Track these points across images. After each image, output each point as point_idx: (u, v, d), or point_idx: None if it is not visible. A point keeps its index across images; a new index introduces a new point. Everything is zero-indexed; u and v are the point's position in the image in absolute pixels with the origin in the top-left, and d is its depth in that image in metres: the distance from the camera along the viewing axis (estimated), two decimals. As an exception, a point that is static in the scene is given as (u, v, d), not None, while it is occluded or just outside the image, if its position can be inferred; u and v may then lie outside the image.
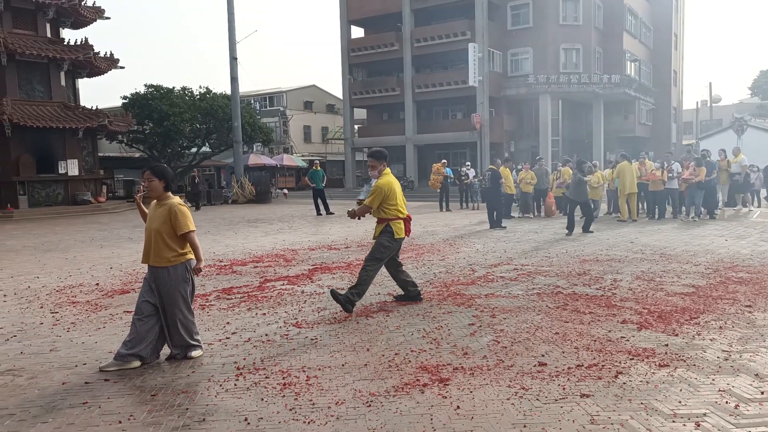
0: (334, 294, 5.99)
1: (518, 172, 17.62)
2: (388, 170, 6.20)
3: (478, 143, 34.70)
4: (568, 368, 4.25)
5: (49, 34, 23.98)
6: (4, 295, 7.38)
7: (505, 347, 4.77)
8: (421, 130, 39.93)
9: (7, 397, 4.01)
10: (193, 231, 4.70)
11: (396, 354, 4.67)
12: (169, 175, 4.79)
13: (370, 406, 3.69)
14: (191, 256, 4.75)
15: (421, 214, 18.75)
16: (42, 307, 6.67)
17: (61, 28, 25.12)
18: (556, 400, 3.70)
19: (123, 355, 4.51)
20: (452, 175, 20.56)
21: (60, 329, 5.72)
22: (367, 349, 4.82)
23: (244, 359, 4.65)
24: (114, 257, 10.51)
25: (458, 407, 3.63)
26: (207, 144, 33.49)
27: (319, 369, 4.38)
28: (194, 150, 33.65)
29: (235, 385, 4.12)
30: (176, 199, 4.75)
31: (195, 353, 4.73)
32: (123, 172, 36.85)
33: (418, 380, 4.09)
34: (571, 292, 6.73)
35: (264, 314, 6.08)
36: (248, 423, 3.50)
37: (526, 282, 7.41)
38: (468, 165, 21.64)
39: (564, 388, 3.89)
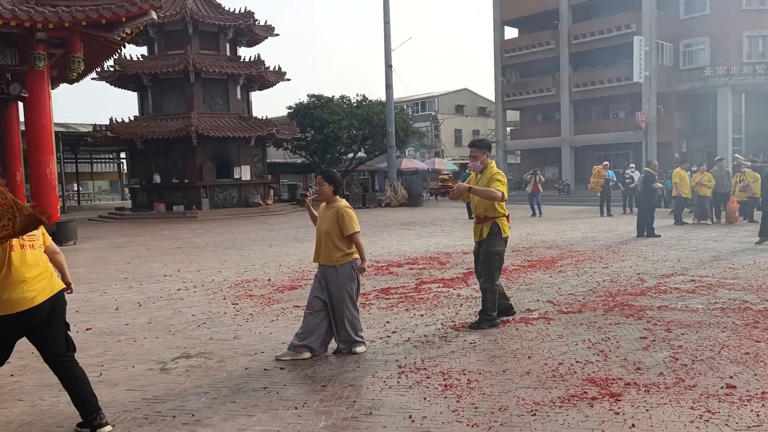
0: (475, 327, 5.57)
1: (693, 174, 16.07)
2: (493, 162, 5.70)
3: (643, 143, 32.27)
4: (763, 393, 3.78)
5: (228, 53, 26.63)
6: (194, 287, 8.30)
7: (685, 365, 4.36)
8: (579, 131, 38.07)
9: (202, 377, 4.50)
10: (358, 232, 4.93)
11: (560, 364, 4.49)
12: (337, 179, 5.08)
13: (535, 415, 3.59)
14: (357, 255, 4.99)
15: (579, 219, 17.86)
16: (225, 299, 7.40)
17: (237, 47, 27.77)
18: (749, 428, 3.31)
19: (295, 346, 4.85)
20: (614, 178, 19.32)
21: (240, 319, 6.30)
22: (529, 357, 4.69)
23: (405, 358, 4.76)
24: (282, 255, 11.34)
25: (633, 425, 3.39)
26: (362, 149, 34.91)
27: (480, 373, 4.35)
28: (351, 155, 35.25)
29: (398, 382, 4.23)
30: (343, 202, 5.02)
31: (359, 349, 4.93)
32: (287, 177, 39.77)
33: (585, 393, 3.89)
34: (762, 308, 5.98)
35: (422, 315, 6.18)
36: (413, 420, 3.57)
37: (706, 295, 6.72)
38: (632, 167, 20.21)
39: (758, 415, 3.46)
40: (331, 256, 4.91)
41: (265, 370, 4.60)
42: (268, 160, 30.86)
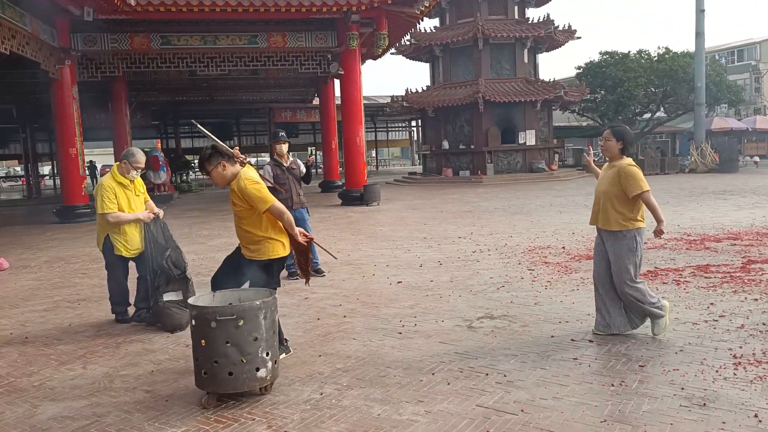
0: None
1: None
2: None
3: None
4: None
5: (516, 16, 26.31)
6: (488, 250, 8.50)
7: None
8: None
9: (508, 339, 4.54)
10: (647, 191, 4.33)
11: None
12: (628, 137, 4.51)
13: None
14: (641, 223, 4.40)
15: None
16: (520, 264, 7.39)
17: (525, 8, 27.22)
18: None
19: (603, 323, 4.53)
20: None
21: (538, 286, 6.20)
22: None
23: (741, 348, 4.09)
24: (574, 223, 10.88)
25: None
26: (662, 108, 31.37)
27: None
28: (647, 116, 32.01)
29: (734, 374, 3.65)
30: (627, 160, 4.46)
31: (656, 327, 4.38)
32: (572, 141, 38.07)
33: None
34: None
35: (756, 300, 5.25)
36: (759, 421, 3.04)
37: None
38: None
39: None
40: (609, 219, 4.43)
41: (572, 340, 4.43)
42: (554, 124, 29.89)
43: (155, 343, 4.80)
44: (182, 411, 3.46)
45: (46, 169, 39.32)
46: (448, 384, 3.70)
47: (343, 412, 3.37)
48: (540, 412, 3.28)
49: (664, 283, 6.02)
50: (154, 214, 5.28)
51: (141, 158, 5.32)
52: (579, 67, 31.84)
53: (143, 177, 5.64)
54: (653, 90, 29.76)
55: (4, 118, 28.57)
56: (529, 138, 25.65)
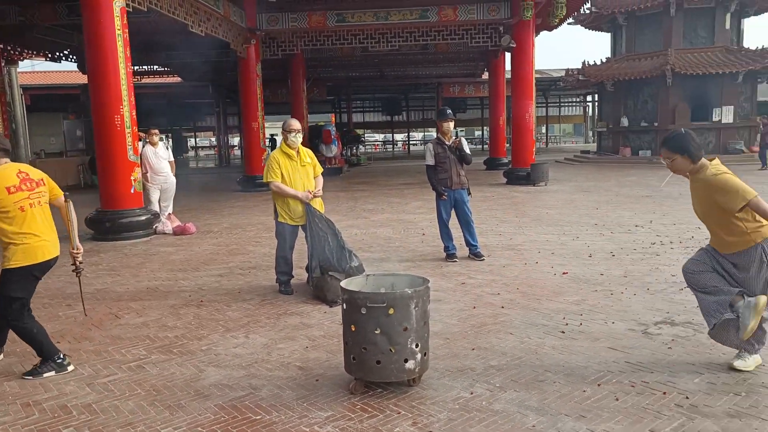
0: None
1: None
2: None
3: None
4: None
5: (718, -24, 23.05)
6: (671, 242, 7.54)
7: None
8: None
9: (692, 351, 3.90)
10: None
11: None
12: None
13: None
14: None
15: None
16: (710, 261, 6.43)
17: (730, -33, 23.73)
18: None
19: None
20: None
21: (734, 290, 5.32)
22: None
23: None
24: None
25: None
26: None
27: None
28: None
29: None
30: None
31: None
32: (781, 119, 32.85)
33: None
34: None
35: None
36: None
37: None
38: None
39: None
40: None
41: (778, 364, 3.69)
42: (759, 99, 25.97)
43: (312, 318, 4.91)
44: (330, 393, 3.45)
45: (235, 140, 43.41)
46: (617, 399, 3.26)
47: (494, 418, 3.11)
48: (733, 451, 2.74)
49: None
50: (311, 194, 5.40)
51: (292, 122, 5.48)
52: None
53: (315, 150, 5.81)
54: None
55: (202, 95, 32.13)
56: (725, 115, 22.61)
